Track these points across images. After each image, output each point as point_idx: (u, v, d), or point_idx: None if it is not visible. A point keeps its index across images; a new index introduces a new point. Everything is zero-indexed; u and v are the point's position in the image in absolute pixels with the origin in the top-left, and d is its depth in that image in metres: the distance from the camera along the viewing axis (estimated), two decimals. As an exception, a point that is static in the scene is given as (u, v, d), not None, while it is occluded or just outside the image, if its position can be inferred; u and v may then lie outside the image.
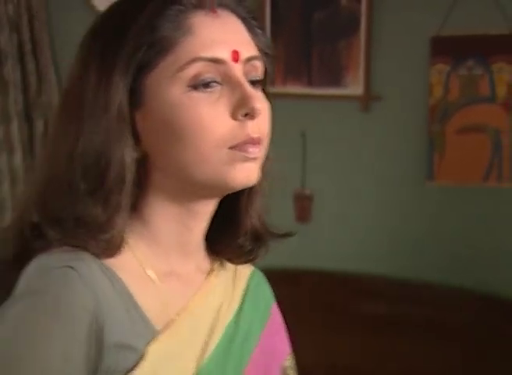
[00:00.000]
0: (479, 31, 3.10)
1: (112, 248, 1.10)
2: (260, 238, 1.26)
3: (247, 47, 1.15)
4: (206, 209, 1.19)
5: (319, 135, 3.45)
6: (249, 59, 1.15)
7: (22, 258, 1.11)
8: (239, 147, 1.11)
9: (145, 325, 1.12)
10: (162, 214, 1.16)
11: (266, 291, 1.37)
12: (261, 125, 1.13)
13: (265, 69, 1.20)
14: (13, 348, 1.00)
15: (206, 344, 1.19)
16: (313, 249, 3.48)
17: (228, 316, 1.25)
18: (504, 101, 3.10)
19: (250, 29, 1.18)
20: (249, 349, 1.26)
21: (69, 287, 1.04)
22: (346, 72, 3.37)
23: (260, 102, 1.11)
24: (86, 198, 1.08)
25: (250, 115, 1.10)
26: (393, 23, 3.30)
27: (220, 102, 1.10)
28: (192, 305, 1.20)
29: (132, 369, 1.08)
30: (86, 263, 1.07)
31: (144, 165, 1.13)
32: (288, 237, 1.26)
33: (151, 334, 1.12)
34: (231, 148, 1.10)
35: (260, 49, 1.18)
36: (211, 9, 1.13)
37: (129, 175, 1.10)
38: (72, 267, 1.05)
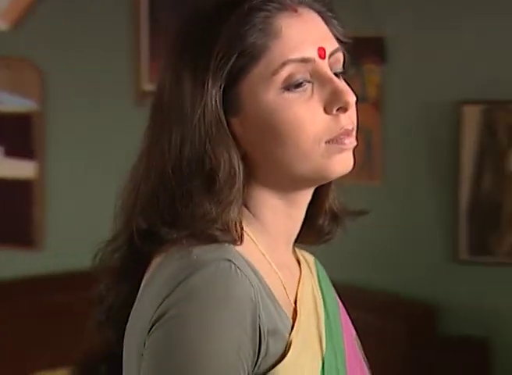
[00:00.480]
0: (350, 34, 3.30)
1: (236, 238, 1.14)
2: (337, 218, 1.32)
3: (330, 41, 1.19)
4: (306, 198, 1.24)
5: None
6: (332, 53, 1.19)
7: (131, 263, 1.20)
8: (335, 140, 1.16)
9: (282, 313, 1.16)
10: (268, 207, 1.21)
11: (326, 277, 1.41)
12: (352, 116, 1.19)
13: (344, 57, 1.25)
14: (196, 345, 1.05)
15: (319, 330, 1.23)
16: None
17: (320, 301, 1.29)
18: (374, 101, 3.42)
19: (328, 21, 1.22)
20: (339, 329, 1.30)
21: (234, 280, 1.08)
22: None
23: (350, 95, 1.17)
24: (200, 198, 1.13)
25: (342, 108, 1.16)
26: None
27: (313, 100, 1.15)
28: (300, 293, 1.25)
29: (282, 357, 1.12)
30: (236, 255, 1.11)
31: (246, 163, 1.18)
32: (363, 214, 1.35)
33: (288, 322, 1.16)
34: (327, 141, 1.16)
35: (338, 39, 1.23)
36: (293, 9, 1.17)
37: (239, 173, 1.15)
38: (229, 260, 1.09)
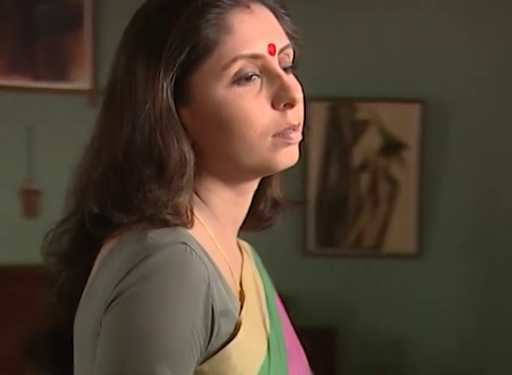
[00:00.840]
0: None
1: (186, 222, 1.17)
2: (278, 205, 1.38)
3: (281, 37, 1.23)
4: (253, 188, 1.29)
5: (47, 129, 3.44)
6: (282, 49, 1.22)
7: (81, 246, 1.23)
8: (281, 134, 1.20)
9: (232, 295, 1.20)
10: (217, 195, 1.25)
11: (261, 261, 1.47)
12: (299, 111, 1.22)
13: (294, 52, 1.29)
14: (153, 321, 1.08)
15: (262, 312, 1.29)
16: (40, 245, 3.13)
17: (260, 284, 1.37)
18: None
19: (280, 17, 1.25)
20: (277, 313, 1.36)
21: (189, 261, 1.11)
22: (73, 66, 3.38)
23: (297, 92, 1.20)
24: (151, 185, 1.15)
25: (289, 104, 1.19)
26: (119, 18, 3.27)
27: (261, 94, 1.19)
28: (244, 277, 1.30)
29: (232, 336, 1.16)
30: (190, 238, 1.14)
31: (196, 152, 1.20)
32: (302, 204, 1.62)
33: (237, 303, 1.20)
34: (274, 135, 1.19)
35: (288, 34, 1.26)
36: (246, 6, 1.20)
37: (189, 162, 1.18)
38: (184, 242, 1.12)
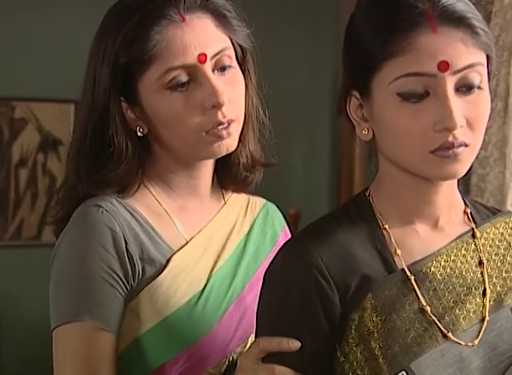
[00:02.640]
0: None
1: (124, 191, 1.40)
2: (250, 168, 1.52)
3: (215, 44, 1.36)
4: (205, 164, 1.46)
5: None
6: (218, 53, 1.36)
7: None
8: (211, 131, 1.37)
9: (163, 246, 1.41)
10: (170, 170, 1.45)
11: (275, 220, 1.61)
12: (233, 108, 1.38)
13: (242, 47, 1.43)
14: (67, 269, 1.36)
15: (218, 258, 1.46)
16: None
17: (237, 238, 1.51)
18: None
19: (222, 22, 1.39)
20: (253, 269, 1.49)
21: (97, 216, 1.35)
22: None
23: (222, 96, 1.35)
24: (105, 162, 1.39)
25: (217, 107, 1.35)
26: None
27: (193, 97, 1.35)
28: (205, 230, 1.47)
29: (155, 277, 1.37)
30: (109, 202, 1.37)
31: (149, 138, 1.42)
32: (272, 166, 1.56)
33: (169, 252, 1.40)
34: (207, 132, 1.37)
35: (229, 37, 1.40)
36: (182, 19, 1.35)
37: (132, 149, 1.39)
38: (99, 205, 1.36)
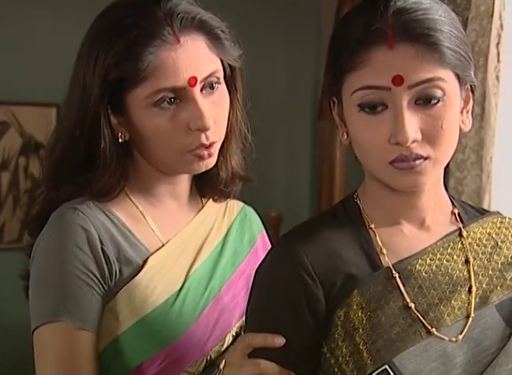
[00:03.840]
0: None
1: (103, 195, 1.42)
2: (229, 181, 1.55)
3: (206, 67, 1.38)
4: (184, 177, 1.50)
5: None
6: (207, 77, 1.38)
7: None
8: (194, 151, 1.40)
9: (140, 247, 1.43)
10: (151, 177, 1.47)
11: (253, 223, 1.63)
12: (217, 130, 1.41)
13: (231, 66, 1.46)
14: (45, 259, 1.39)
15: (194, 260, 1.48)
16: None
17: (215, 240, 1.53)
18: None
19: (215, 44, 1.41)
20: (231, 270, 1.52)
21: (72, 218, 1.37)
22: None
23: (209, 120, 1.37)
24: (88, 168, 1.41)
25: (201, 130, 1.37)
26: None
27: (179, 116, 1.37)
28: (182, 233, 1.49)
29: (132, 277, 1.40)
30: (86, 205, 1.40)
31: (132, 145, 1.44)
32: (249, 181, 1.58)
33: (146, 254, 1.43)
34: (190, 151, 1.40)
35: (221, 58, 1.41)
36: (176, 40, 1.35)
37: (116, 156, 1.41)
38: (75, 208, 1.39)
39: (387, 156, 1.17)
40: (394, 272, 1.21)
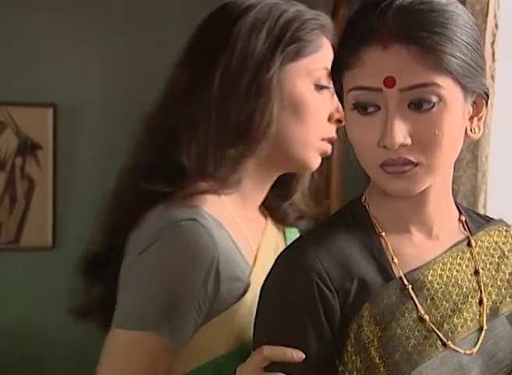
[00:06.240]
0: None
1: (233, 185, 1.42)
2: (297, 216, 1.61)
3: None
4: (274, 176, 1.52)
5: None
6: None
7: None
8: (327, 140, 1.49)
9: (245, 262, 1.40)
10: (253, 180, 1.47)
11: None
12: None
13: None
14: (159, 272, 1.34)
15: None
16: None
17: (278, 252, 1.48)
18: None
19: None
20: None
21: (196, 235, 1.32)
22: None
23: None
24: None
25: (338, 120, 1.50)
26: None
27: (326, 105, 1.48)
28: (263, 243, 1.50)
29: (242, 295, 1.36)
30: (203, 216, 1.35)
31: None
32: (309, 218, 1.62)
33: (249, 269, 1.40)
34: (323, 139, 1.49)
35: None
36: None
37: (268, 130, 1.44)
38: (195, 219, 1.34)
39: (377, 159, 1.15)
40: (407, 283, 1.19)
